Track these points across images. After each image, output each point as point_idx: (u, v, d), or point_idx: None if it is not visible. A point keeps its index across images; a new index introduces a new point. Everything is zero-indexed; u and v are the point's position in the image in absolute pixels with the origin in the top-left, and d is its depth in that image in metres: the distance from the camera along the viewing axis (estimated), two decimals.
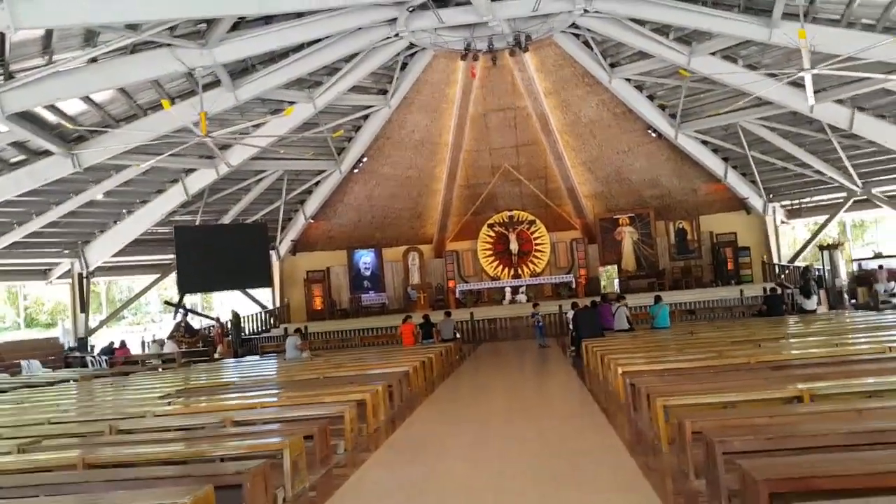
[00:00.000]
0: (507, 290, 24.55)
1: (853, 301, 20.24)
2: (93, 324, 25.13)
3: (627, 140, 23.49)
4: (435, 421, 9.00)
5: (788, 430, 4.99)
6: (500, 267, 25.49)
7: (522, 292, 24.26)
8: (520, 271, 25.26)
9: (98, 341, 23.56)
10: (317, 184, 23.88)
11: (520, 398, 10.43)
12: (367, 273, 25.72)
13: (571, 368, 13.02)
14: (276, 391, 9.51)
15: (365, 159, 23.24)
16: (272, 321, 24.88)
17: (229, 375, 13.19)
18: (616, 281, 23.75)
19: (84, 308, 23.95)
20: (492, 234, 25.65)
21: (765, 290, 19.75)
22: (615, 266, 24.30)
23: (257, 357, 19.46)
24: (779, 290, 17.66)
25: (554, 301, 21.74)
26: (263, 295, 26.20)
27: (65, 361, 21.80)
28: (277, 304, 25.40)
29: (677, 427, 5.62)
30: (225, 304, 29.22)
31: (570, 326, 15.09)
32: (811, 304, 16.80)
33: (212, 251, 22.22)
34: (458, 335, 17.80)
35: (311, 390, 9.31)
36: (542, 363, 14.74)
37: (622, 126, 22.99)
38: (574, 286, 24.23)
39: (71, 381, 15.15)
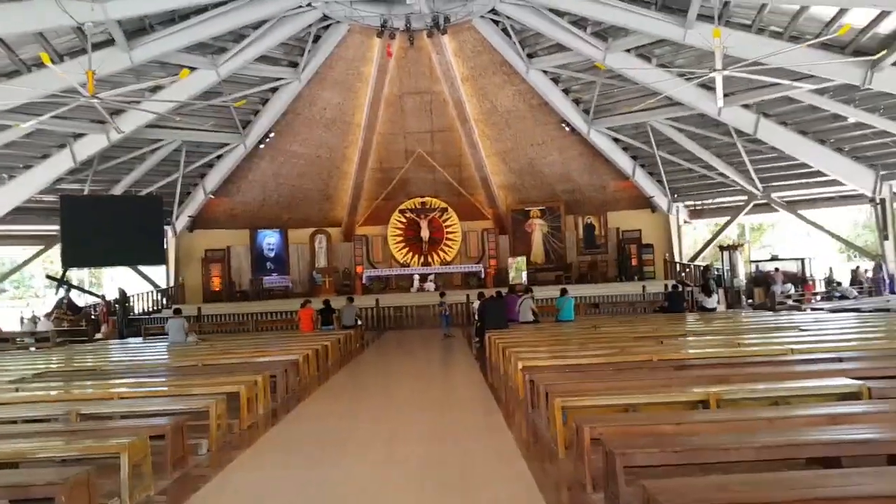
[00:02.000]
0: (416, 277, 23.82)
1: (750, 301, 20.64)
2: None
3: (542, 133, 23.16)
4: (319, 417, 8.13)
5: (696, 441, 4.45)
6: (410, 254, 24.72)
7: (431, 280, 23.59)
8: (430, 259, 24.58)
9: None
10: (219, 157, 22.33)
11: (416, 391, 9.71)
12: (272, 254, 24.40)
13: (474, 361, 12.42)
14: (142, 380, 8.40)
15: (272, 135, 21.91)
16: (165, 301, 23.18)
17: (99, 359, 11.84)
18: (524, 273, 23.44)
19: None
20: (403, 220, 24.83)
21: (666, 286, 19.86)
22: (524, 258, 23.98)
23: (141, 339, 17.91)
24: (680, 288, 17.70)
25: (463, 291, 21.17)
26: (157, 273, 24.39)
27: None
28: (171, 284, 23.69)
29: (575, 431, 5.02)
30: (116, 282, 27.15)
31: (476, 317, 14.51)
32: (711, 302, 16.89)
33: (101, 224, 20.39)
34: (359, 322, 16.92)
35: (181, 379, 8.27)
36: (446, 354, 14.09)
37: (537, 118, 22.63)
38: (483, 276, 23.77)
39: None
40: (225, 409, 6.75)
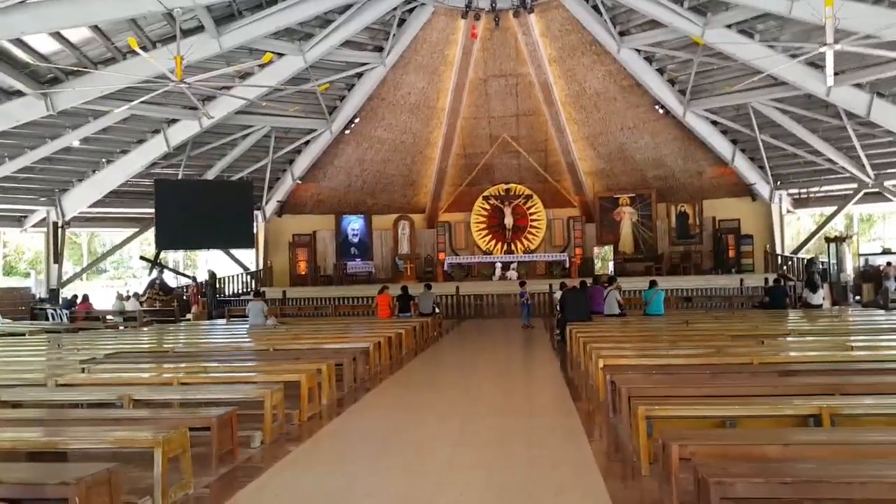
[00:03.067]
0: (498, 265, 23.15)
1: (858, 298, 18.79)
2: (71, 276, 23.91)
3: (633, 116, 21.89)
4: (384, 410, 7.64)
5: (809, 470, 3.60)
6: (493, 241, 24.07)
7: (514, 269, 22.85)
8: (513, 247, 23.85)
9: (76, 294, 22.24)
10: (306, 143, 22.38)
11: (490, 387, 9.06)
12: (355, 240, 24.33)
13: (554, 354, 11.65)
14: (208, 364, 8.15)
15: (357, 120, 21.70)
16: (254, 284, 23.53)
17: (176, 341, 11.84)
18: (611, 263, 22.31)
19: (57, 258, 22.66)
20: (486, 206, 24.18)
21: (766, 280, 18.29)
22: (611, 247, 22.84)
23: (225, 322, 18.11)
24: (782, 282, 16.21)
25: (546, 280, 20.32)
26: (247, 257, 24.83)
27: (31, 313, 20.53)
28: (260, 267, 24.02)
29: (662, 447, 4.25)
30: (209, 264, 27.86)
31: (557, 308, 13.71)
32: (817, 298, 15.33)
33: (193, 207, 20.82)
34: (437, 310, 16.42)
35: (245, 365, 7.97)
36: (524, 346, 13.38)
37: (628, 100, 21.38)
38: (568, 266, 22.82)
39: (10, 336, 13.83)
40: (282, 399, 6.34)
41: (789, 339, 9.35)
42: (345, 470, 5.29)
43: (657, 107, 20.72)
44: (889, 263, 19.87)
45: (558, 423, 6.64)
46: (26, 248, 31.89)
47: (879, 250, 23.32)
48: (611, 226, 23.22)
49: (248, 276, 23.89)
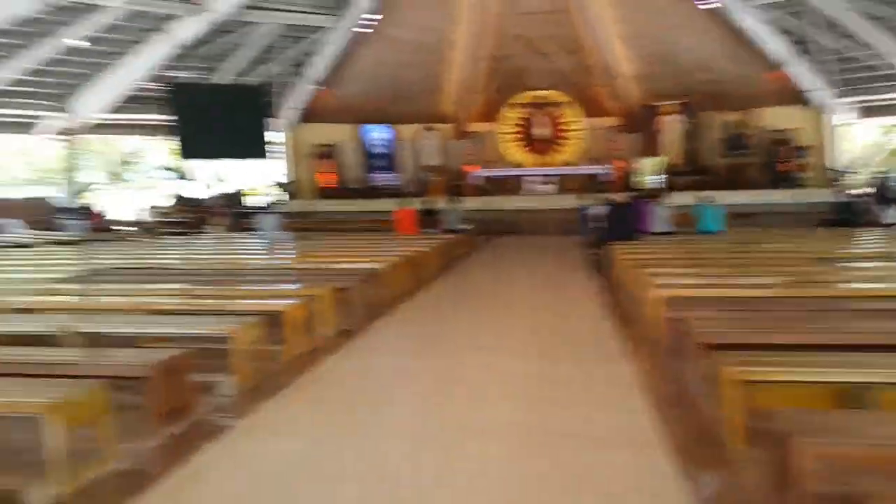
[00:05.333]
0: (532, 178, 21.39)
1: None
2: (91, 185, 22.89)
3: (678, 14, 19.40)
4: (390, 346, 6.30)
5: None
6: (527, 153, 22.21)
7: (549, 182, 21.10)
8: (548, 159, 21.98)
9: (90, 205, 21.28)
10: (322, 46, 20.47)
11: (517, 317, 7.63)
12: (380, 151, 22.68)
13: (595, 280, 10.13)
14: (196, 286, 6.85)
15: (377, 19, 19.65)
16: (278, 197, 22.25)
17: (176, 255, 10.60)
18: (656, 176, 20.37)
19: (74, 168, 21.63)
20: (518, 115, 22.16)
21: (835, 195, 16.28)
22: (656, 159, 20.84)
23: (245, 235, 16.89)
24: (853, 198, 14.21)
25: (583, 194, 18.55)
26: (274, 168, 23.46)
27: (50, 223, 19.63)
28: (285, 179, 22.66)
29: (779, 445, 2.79)
30: (235, 176, 26.63)
31: (597, 224, 12.10)
32: (892, 215, 13.42)
33: (211, 114, 19.35)
34: (465, 226, 14.95)
35: (231, 289, 6.65)
36: (559, 268, 11.86)
37: None
38: (608, 179, 20.96)
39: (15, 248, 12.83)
40: (260, 336, 5.00)
41: (878, 263, 7.68)
42: (322, 432, 3.97)
43: (704, 3, 18.19)
44: None
45: (601, 373, 5.18)
46: (47, 157, 30.97)
47: None
48: (654, 136, 21.13)
49: (272, 189, 22.62)
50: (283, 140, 22.31)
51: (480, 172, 21.71)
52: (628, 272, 7.67)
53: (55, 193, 22.97)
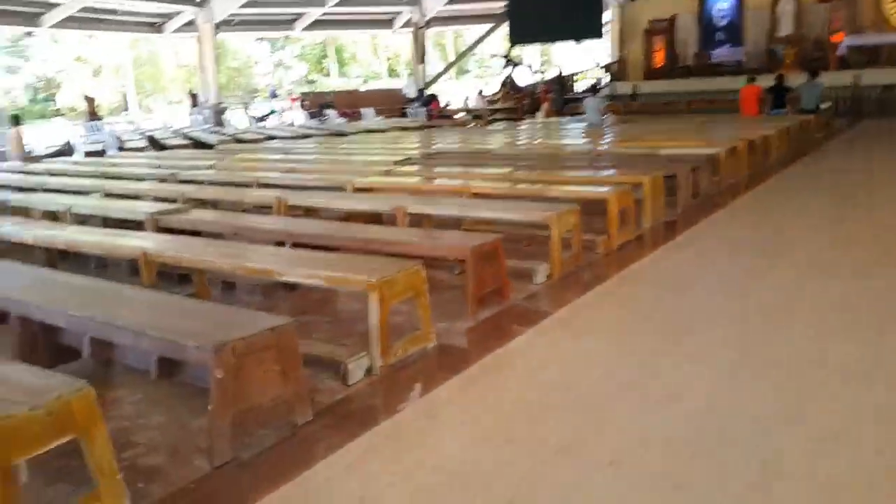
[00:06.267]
0: None
1: None
2: (434, 76, 24.61)
3: None
4: (718, 248, 5.44)
5: None
6: None
7: None
8: None
9: (432, 94, 22.92)
10: None
11: (887, 227, 6.01)
12: (723, 22, 20.07)
13: None
14: (515, 170, 6.77)
15: None
16: (608, 80, 21.38)
17: (502, 140, 10.73)
18: None
19: (421, 59, 23.34)
20: None
21: None
22: None
23: (568, 118, 16.58)
24: None
25: None
26: (600, 49, 22.54)
27: (400, 112, 21.73)
28: (612, 60, 21.60)
29: None
30: (562, 59, 26.28)
31: None
32: None
33: None
34: (824, 106, 12.53)
35: (556, 174, 6.42)
36: None
37: None
38: None
39: (356, 134, 14.35)
40: (578, 224, 4.69)
41: None
42: (634, 338, 3.55)
43: None
44: None
45: None
46: (398, 51, 33.97)
47: None
48: None
49: (601, 70, 21.78)
50: (611, 18, 21.06)
51: (850, 40, 17.91)
52: None
53: (404, 85, 25.32)
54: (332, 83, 33.84)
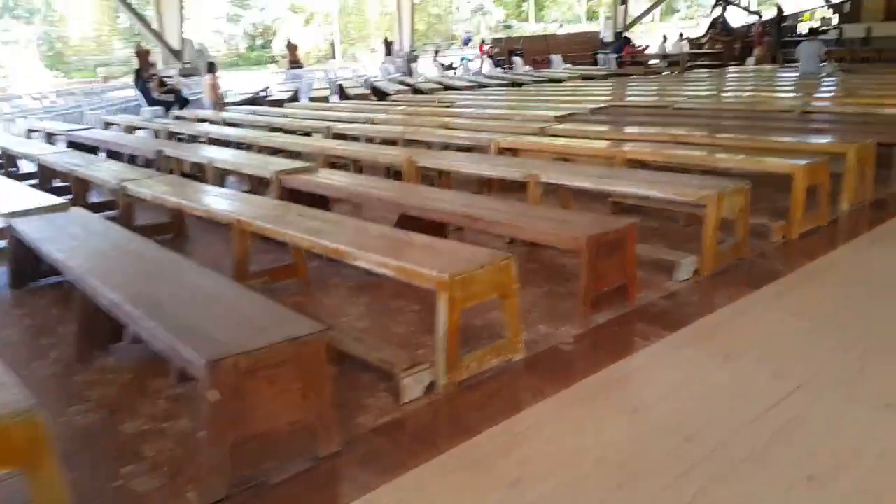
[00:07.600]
0: None
1: None
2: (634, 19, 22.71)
3: None
4: None
5: None
6: None
7: None
8: None
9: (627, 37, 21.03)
10: None
11: None
12: None
13: None
14: (688, 131, 5.67)
15: None
16: (836, 19, 18.15)
17: (694, 92, 9.28)
18: None
19: (623, 0, 21.62)
20: None
21: None
22: None
23: (781, 66, 14.23)
24: None
25: None
26: None
27: (592, 58, 20.23)
28: None
29: None
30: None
31: None
32: None
33: None
34: None
35: (738, 136, 5.26)
36: None
37: None
38: None
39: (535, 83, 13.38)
40: (745, 205, 3.70)
41: None
42: (814, 367, 2.61)
43: None
44: None
45: None
46: None
47: None
48: None
49: (829, 8, 18.52)
50: None
51: None
52: None
53: (601, 28, 23.61)
54: (530, 28, 32.71)
